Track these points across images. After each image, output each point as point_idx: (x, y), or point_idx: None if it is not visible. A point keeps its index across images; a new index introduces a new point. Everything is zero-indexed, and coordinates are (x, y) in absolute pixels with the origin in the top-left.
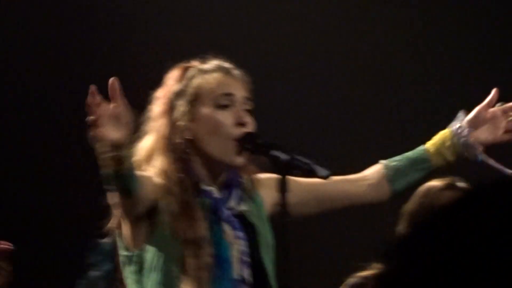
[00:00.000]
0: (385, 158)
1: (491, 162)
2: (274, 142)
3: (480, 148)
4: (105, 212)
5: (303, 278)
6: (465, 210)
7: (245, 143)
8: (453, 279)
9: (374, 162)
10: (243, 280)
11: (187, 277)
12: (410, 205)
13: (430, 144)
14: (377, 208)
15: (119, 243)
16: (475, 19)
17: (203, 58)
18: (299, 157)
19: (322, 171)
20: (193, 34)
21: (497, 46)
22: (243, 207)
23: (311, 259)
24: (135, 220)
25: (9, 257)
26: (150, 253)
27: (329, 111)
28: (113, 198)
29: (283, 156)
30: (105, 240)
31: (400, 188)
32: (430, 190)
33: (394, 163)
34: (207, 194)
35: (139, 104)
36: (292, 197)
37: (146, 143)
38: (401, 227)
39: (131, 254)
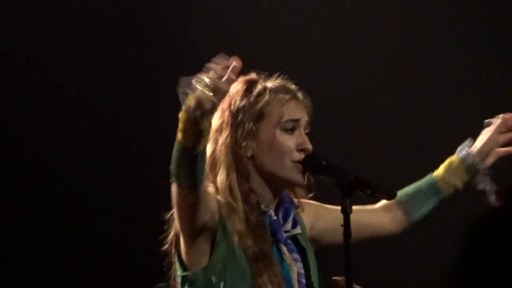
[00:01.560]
0: (393, 160)
1: (488, 188)
2: (337, 163)
3: (489, 179)
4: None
5: None
6: None
7: (309, 164)
8: None
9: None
10: None
11: None
12: None
13: (438, 174)
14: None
15: (176, 264)
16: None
17: (267, 74)
18: (362, 178)
19: (388, 190)
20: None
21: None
22: (297, 231)
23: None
24: (194, 234)
25: None
26: (214, 272)
27: (335, 112)
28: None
29: (347, 177)
30: (162, 285)
31: (417, 219)
32: None
33: (406, 197)
34: (267, 215)
35: None
36: (323, 223)
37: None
38: None
39: (191, 274)
